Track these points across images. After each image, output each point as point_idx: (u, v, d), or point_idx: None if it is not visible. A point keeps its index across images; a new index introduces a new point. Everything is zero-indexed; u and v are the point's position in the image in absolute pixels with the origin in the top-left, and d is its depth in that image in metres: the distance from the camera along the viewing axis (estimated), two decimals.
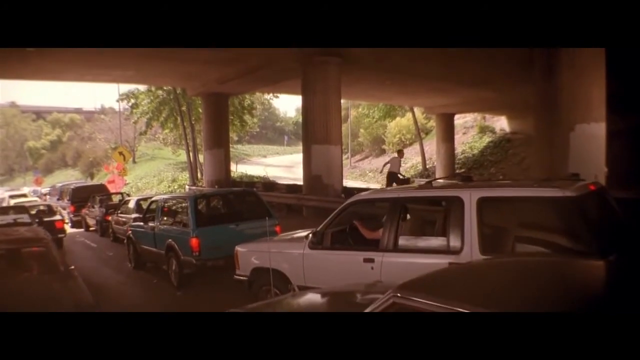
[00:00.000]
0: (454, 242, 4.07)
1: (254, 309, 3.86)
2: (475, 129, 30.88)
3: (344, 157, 25.43)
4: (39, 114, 71.99)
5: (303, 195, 14.58)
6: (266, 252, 5.30)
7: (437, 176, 24.27)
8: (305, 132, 14.71)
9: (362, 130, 39.72)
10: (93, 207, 16.10)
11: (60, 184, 31.82)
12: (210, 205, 9.60)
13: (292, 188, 16.83)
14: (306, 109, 14.63)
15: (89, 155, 50.11)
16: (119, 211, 13.27)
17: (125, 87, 29.14)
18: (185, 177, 29.79)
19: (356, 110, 40.25)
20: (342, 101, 16.06)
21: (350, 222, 5.26)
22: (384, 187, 16.46)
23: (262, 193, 11.77)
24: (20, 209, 12.16)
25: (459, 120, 30.71)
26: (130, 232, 9.86)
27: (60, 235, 12.28)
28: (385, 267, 4.42)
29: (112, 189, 21.19)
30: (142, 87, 27.33)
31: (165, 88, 25.95)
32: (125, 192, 19.79)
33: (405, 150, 19.42)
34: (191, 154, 27.11)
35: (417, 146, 30.25)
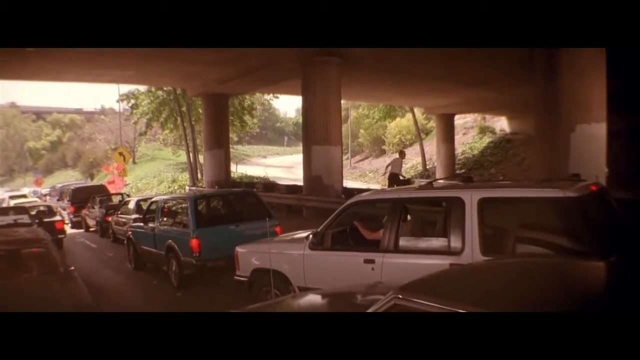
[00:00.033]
0: (455, 243, 4.05)
1: (254, 310, 3.85)
2: (475, 130, 30.87)
3: (344, 157, 25.42)
4: (39, 114, 72.00)
5: (303, 196, 14.57)
6: (266, 253, 5.29)
7: (437, 177, 24.27)
8: (306, 133, 14.71)
9: (362, 130, 39.71)
10: (93, 207, 16.10)
11: (60, 185, 31.86)
12: (211, 206, 9.59)
13: (292, 189, 16.82)
14: (306, 110, 14.63)
15: (89, 156, 50.12)
16: (119, 212, 13.26)
17: (125, 88, 29.17)
18: (185, 177, 29.78)
19: (356, 111, 40.26)
20: (342, 102, 16.06)
21: (351, 223, 5.24)
22: (385, 187, 16.45)
23: (262, 194, 11.76)
24: (20, 209, 12.16)
25: (459, 120, 30.71)
26: (130, 232, 9.85)
27: (60, 236, 12.28)
28: (386, 268, 4.40)
29: (112, 189, 21.18)
30: (142, 88, 27.32)
31: (165, 88, 25.94)
32: (125, 193, 19.79)
33: (405, 151, 19.44)
34: (191, 155, 27.10)
35: (417, 147, 30.24)
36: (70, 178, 48.91)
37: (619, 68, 7.38)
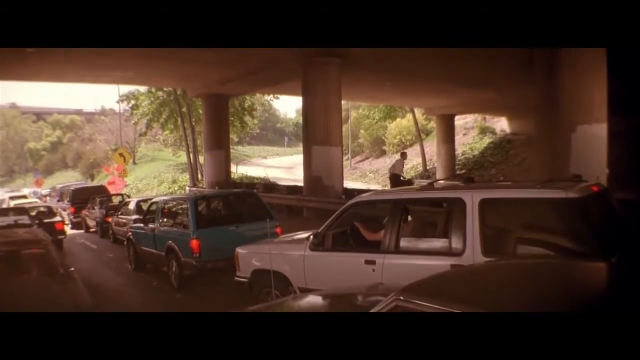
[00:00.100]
0: (456, 243, 4.04)
1: (254, 311, 3.84)
2: (475, 130, 30.86)
3: (344, 158, 25.41)
4: (39, 115, 72.07)
5: (303, 197, 14.56)
6: (267, 254, 5.28)
7: (437, 177, 24.25)
8: (306, 133, 14.70)
9: (362, 131, 39.71)
10: (93, 208, 16.09)
11: (60, 185, 31.87)
12: (211, 206, 9.58)
13: (292, 189, 16.82)
14: (306, 110, 14.62)
15: (89, 157, 50.14)
16: (119, 212, 13.25)
17: (126, 89, 29.20)
18: (185, 178, 29.77)
19: (356, 112, 40.26)
20: (343, 102, 16.05)
21: (352, 224, 5.23)
22: (386, 188, 16.45)
23: (262, 194, 11.76)
24: (20, 210, 12.15)
25: (459, 121, 30.70)
26: (130, 233, 9.84)
27: (60, 237, 12.26)
28: (387, 269, 4.39)
29: (112, 190, 21.17)
30: (142, 89, 27.32)
31: (165, 89, 25.95)
32: (125, 194, 19.78)
33: (406, 152, 19.58)
34: (191, 155, 27.09)
35: (417, 147, 30.23)
36: (71, 179, 48.92)
37: (619, 68, 7.35)
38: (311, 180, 14.24)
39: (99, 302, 5.34)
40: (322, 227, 5.07)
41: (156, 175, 35.77)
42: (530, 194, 4.02)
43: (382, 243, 4.56)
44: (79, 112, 71.86)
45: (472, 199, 4.00)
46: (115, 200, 17.12)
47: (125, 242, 10.37)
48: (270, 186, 20.12)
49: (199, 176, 26.43)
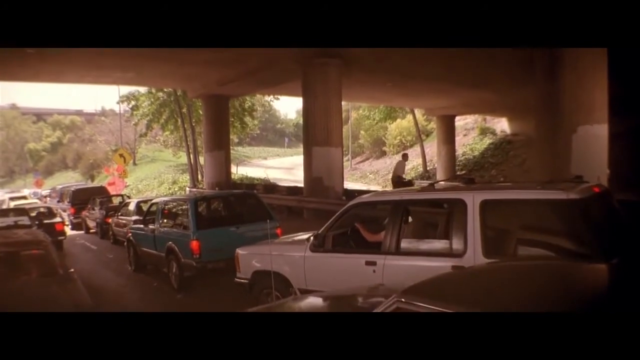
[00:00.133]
0: (457, 244, 4.02)
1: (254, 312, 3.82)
2: (475, 131, 30.85)
3: (345, 159, 25.41)
4: (39, 115, 72.13)
5: (304, 198, 14.55)
6: (267, 255, 5.26)
7: (438, 178, 24.24)
8: (306, 134, 14.69)
9: (362, 132, 39.72)
10: (93, 209, 16.08)
11: (60, 186, 31.83)
12: (211, 207, 9.57)
13: (292, 190, 16.81)
14: (307, 111, 14.61)
15: (89, 157, 50.17)
16: (119, 213, 13.23)
17: (126, 89, 29.22)
18: (185, 179, 29.77)
19: (357, 112, 40.26)
20: (343, 103, 16.05)
21: (352, 225, 5.22)
22: (386, 189, 16.46)
23: (262, 195, 11.75)
24: (20, 211, 12.14)
25: (460, 122, 30.70)
26: (130, 234, 9.82)
27: (60, 238, 12.25)
28: (388, 270, 4.37)
29: (112, 191, 21.16)
30: (142, 89, 27.32)
31: (165, 90, 25.94)
32: (125, 194, 19.76)
33: (407, 153, 19.73)
34: (192, 156, 27.08)
35: (417, 148, 30.23)
36: (71, 179, 48.94)
37: (620, 69, 7.35)
38: (311, 181, 14.23)
39: (99, 303, 5.34)
40: (322, 228, 5.06)
41: (156, 176, 35.78)
42: (532, 195, 4.00)
43: (382, 244, 4.54)
44: (79, 113, 71.92)
45: (473, 200, 3.98)
46: (116, 201, 17.11)
47: (125, 243, 10.36)
48: (270, 187, 20.11)
49: (199, 177, 26.42)
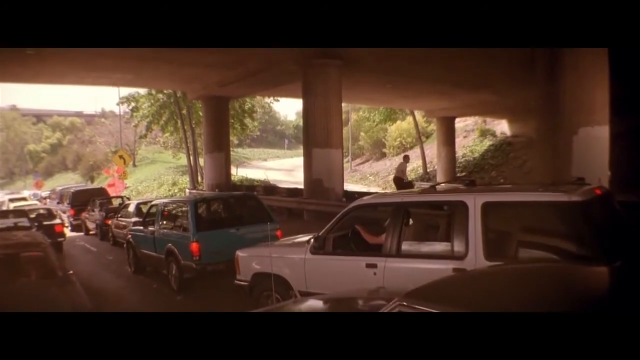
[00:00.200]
0: (458, 247, 4.00)
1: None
2: (476, 133, 30.84)
3: (345, 160, 25.40)
4: (39, 117, 72.18)
5: (304, 199, 14.53)
6: (267, 257, 5.23)
7: (438, 180, 24.23)
8: (306, 136, 14.67)
9: (362, 133, 39.72)
10: (93, 210, 16.06)
11: (60, 188, 31.80)
12: (211, 209, 9.55)
13: (292, 192, 16.79)
14: (307, 112, 14.60)
15: (89, 159, 50.19)
16: (119, 215, 13.21)
17: (126, 91, 29.21)
18: (185, 180, 29.76)
19: (357, 114, 40.26)
20: (343, 104, 16.04)
21: (353, 227, 5.20)
22: (387, 191, 16.50)
23: (262, 197, 11.74)
24: (19, 212, 12.12)
25: (460, 123, 30.68)
26: (130, 236, 9.80)
27: (59, 239, 12.21)
28: (388, 272, 4.35)
29: (112, 192, 21.14)
30: (142, 91, 27.31)
31: (165, 91, 25.94)
32: (125, 196, 19.74)
33: (407, 154, 19.90)
34: (191, 158, 27.06)
35: (417, 150, 30.22)
36: (71, 181, 48.91)
37: (621, 70, 7.34)
38: (311, 183, 14.21)
39: (98, 305, 5.31)
40: (323, 230, 5.03)
41: (156, 177, 35.78)
42: (533, 197, 3.98)
43: (383, 246, 4.52)
44: (79, 114, 71.92)
45: (474, 202, 3.95)
46: (115, 202, 17.07)
47: (124, 245, 10.34)
48: (270, 189, 20.08)
49: (199, 178, 26.41)
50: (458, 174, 25.25)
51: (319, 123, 13.87)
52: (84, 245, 14.39)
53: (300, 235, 6.06)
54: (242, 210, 9.03)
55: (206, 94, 20.06)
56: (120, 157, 22.10)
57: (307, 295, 4.79)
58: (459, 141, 29.05)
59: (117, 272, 10.04)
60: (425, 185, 18.60)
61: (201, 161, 25.58)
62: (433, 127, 31.85)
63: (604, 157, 8.23)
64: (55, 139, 66.54)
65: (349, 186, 23.55)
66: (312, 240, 5.08)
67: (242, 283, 5.80)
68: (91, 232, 16.14)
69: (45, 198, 30.24)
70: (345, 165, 23.96)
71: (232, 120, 25.42)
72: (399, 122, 34.38)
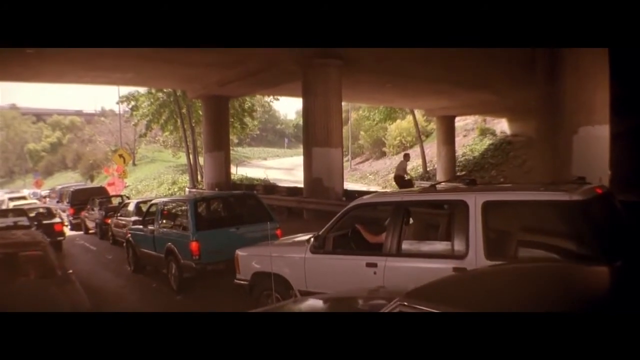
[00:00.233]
0: (459, 246, 4.00)
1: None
2: (475, 132, 30.83)
3: (345, 159, 25.40)
4: (39, 116, 72.15)
5: (304, 198, 14.52)
6: (267, 256, 5.23)
7: (438, 179, 24.23)
8: (306, 135, 14.67)
9: (362, 132, 39.72)
10: (92, 209, 16.05)
11: (60, 187, 31.82)
12: (211, 208, 9.54)
13: (292, 191, 16.78)
14: (307, 112, 14.59)
15: (89, 158, 50.16)
16: (119, 214, 13.20)
17: (126, 90, 29.18)
18: (185, 179, 29.74)
19: (357, 113, 40.25)
20: (343, 104, 16.04)
21: (353, 226, 5.19)
22: (387, 189, 16.52)
23: (262, 196, 11.73)
24: (19, 211, 12.11)
25: (460, 122, 30.67)
26: (129, 235, 9.79)
27: (59, 238, 12.22)
28: (389, 272, 4.35)
29: (112, 191, 21.13)
30: (142, 90, 27.29)
31: (165, 90, 25.91)
32: (125, 195, 19.73)
33: (408, 153, 19.99)
34: (191, 157, 27.05)
35: (417, 149, 30.21)
36: (70, 180, 48.91)
37: (622, 69, 7.33)
38: (311, 182, 14.20)
39: (98, 304, 5.30)
40: (323, 230, 5.03)
41: (156, 176, 35.76)
42: (534, 196, 3.97)
43: (383, 246, 4.51)
44: (78, 113, 71.92)
45: (475, 202, 3.95)
46: (115, 201, 17.08)
47: (124, 244, 10.33)
48: (270, 188, 20.08)
49: (199, 177, 26.39)
50: (458, 173, 25.25)
51: (319, 122, 13.86)
52: (83, 244, 14.38)
53: (300, 235, 6.06)
54: (242, 209, 9.02)
55: (206, 93, 20.05)
56: (120, 156, 22.09)
57: (307, 294, 4.79)
58: (458, 140, 29.05)
59: (116, 271, 10.03)
60: (425, 184, 18.64)
61: (201, 160, 25.56)
62: (433, 126, 31.85)
63: (604, 156, 8.22)
64: (55, 138, 66.52)
65: (349, 185, 23.55)
66: (312, 239, 5.08)
67: (242, 282, 5.80)
68: (91, 231, 16.13)
69: (44, 197, 30.22)
70: (345, 164, 23.95)
71: (232, 119, 25.41)
72: (398, 121, 34.36)
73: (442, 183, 8.78)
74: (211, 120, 20.93)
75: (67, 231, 15.28)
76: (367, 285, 4.19)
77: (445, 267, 3.90)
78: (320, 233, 5.02)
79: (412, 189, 11.82)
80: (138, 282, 9.05)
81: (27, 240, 6.19)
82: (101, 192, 19.89)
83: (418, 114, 30.81)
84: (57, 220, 13.24)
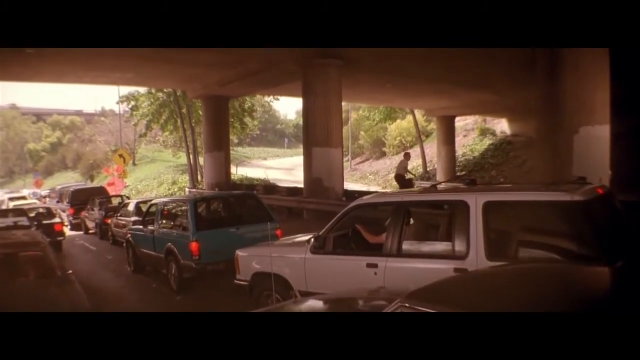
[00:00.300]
0: (459, 247, 3.99)
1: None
2: (475, 132, 30.82)
3: (345, 159, 25.39)
4: (39, 116, 72.15)
5: (304, 198, 14.51)
6: (267, 257, 5.22)
7: (438, 179, 24.22)
8: (306, 135, 14.65)
9: (362, 132, 39.71)
10: (92, 209, 16.04)
11: (59, 187, 31.82)
12: (211, 208, 9.53)
13: (292, 191, 16.77)
14: (307, 112, 14.58)
15: (89, 158, 50.15)
16: (119, 214, 13.20)
17: (126, 89, 29.16)
18: (185, 179, 29.73)
19: (357, 113, 40.24)
20: (343, 104, 16.03)
21: (353, 226, 5.18)
22: (387, 189, 16.52)
23: (262, 196, 11.72)
24: (19, 211, 12.10)
25: (460, 122, 30.66)
26: (129, 235, 9.79)
27: (59, 238, 12.21)
28: (389, 272, 4.33)
29: (112, 191, 21.12)
30: (142, 90, 27.28)
31: (165, 90, 25.90)
32: (124, 195, 19.72)
33: (409, 152, 20.00)
34: (191, 157, 27.04)
35: (417, 149, 30.20)
36: (70, 180, 48.90)
37: (622, 69, 7.31)
38: (311, 182, 14.19)
39: (98, 305, 5.29)
40: (323, 230, 5.02)
41: (156, 176, 35.74)
42: (535, 196, 3.96)
43: (384, 246, 4.50)
44: (78, 113, 71.93)
45: (475, 202, 3.94)
46: (115, 201, 17.07)
47: (124, 244, 10.32)
48: (270, 188, 20.07)
49: (199, 177, 26.38)
50: (458, 173, 25.24)
51: (319, 122, 13.85)
52: (83, 244, 14.38)
53: (300, 235, 6.04)
54: (242, 209, 9.01)
55: (206, 93, 20.04)
56: (120, 155, 22.09)
57: (307, 295, 4.78)
58: (458, 140, 29.03)
59: (116, 272, 10.02)
60: (426, 184, 18.64)
61: (201, 160, 25.55)
62: (433, 126, 31.84)
63: (604, 156, 8.20)
64: (55, 138, 66.50)
65: (349, 185, 23.55)
66: (312, 239, 5.07)
67: (242, 283, 5.79)
68: (90, 231, 16.12)
69: (44, 197, 30.23)
70: (345, 164, 23.94)
71: (232, 119, 25.39)
72: (398, 121, 34.35)
73: (443, 183, 8.77)
74: (211, 120, 20.92)
75: (67, 231, 15.27)
76: (367, 285, 4.18)
77: (445, 267, 3.90)
78: (320, 233, 5.01)
79: (413, 189, 11.80)
80: (138, 282, 9.04)
81: (26, 241, 6.18)
82: (101, 192, 19.88)
83: (418, 114, 30.80)
84: (57, 220, 13.23)
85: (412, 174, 20.16)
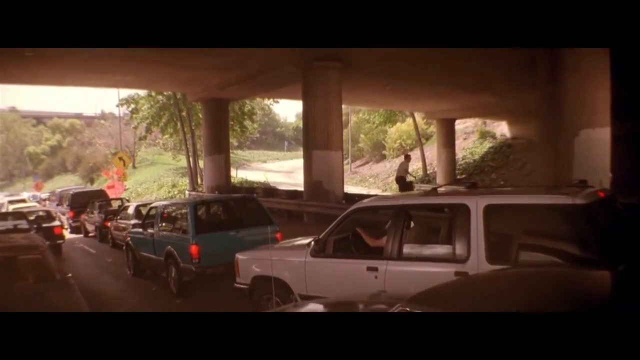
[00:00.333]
0: (460, 250, 3.97)
1: None
2: (475, 135, 30.83)
3: (345, 162, 25.39)
4: (39, 119, 72.18)
5: (304, 201, 14.50)
6: (267, 260, 5.20)
7: (438, 182, 24.21)
8: (306, 138, 14.65)
9: (362, 135, 39.70)
10: (92, 212, 16.04)
11: (59, 190, 31.77)
12: (210, 211, 9.51)
13: (292, 194, 16.76)
14: (307, 115, 14.58)
15: (88, 161, 50.14)
16: (118, 217, 13.19)
17: (126, 92, 29.19)
18: (185, 182, 29.73)
19: (357, 116, 40.26)
20: (343, 107, 16.04)
21: (354, 230, 5.16)
22: (388, 193, 16.51)
23: (262, 199, 11.70)
24: (18, 214, 12.08)
25: (460, 125, 30.66)
26: (129, 238, 9.77)
27: (58, 241, 12.19)
28: (390, 276, 4.32)
29: (111, 194, 21.12)
30: (142, 92, 27.30)
31: (165, 93, 25.93)
32: (124, 198, 19.71)
33: (409, 154, 20.02)
34: (191, 160, 27.04)
35: (417, 152, 30.19)
36: (70, 183, 48.84)
37: (623, 71, 7.30)
38: (311, 185, 14.18)
39: (97, 308, 5.26)
40: (323, 233, 5.00)
41: (156, 179, 35.73)
42: (536, 200, 3.95)
43: (384, 249, 4.48)
44: (78, 116, 71.93)
45: (476, 205, 3.92)
46: (115, 204, 17.04)
47: (124, 247, 10.30)
48: (270, 191, 20.06)
49: (199, 180, 26.38)
50: (458, 176, 25.23)
51: (319, 125, 13.85)
52: (83, 247, 14.36)
53: (301, 238, 6.02)
54: (242, 212, 8.99)
55: (206, 96, 20.05)
56: (120, 158, 22.10)
57: (307, 298, 4.76)
58: (459, 143, 29.04)
59: (116, 275, 10.00)
60: (426, 187, 18.62)
61: (201, 163, 25.55)
62: (433, 129, 31.83)
63: (605, 159, 8.19)
64: (55, 141, 66.50)
65: (349, 188, 23.52)
66: (312, 243, 5.05)
67: (242, 286, 5.76)
68: (90, 234, 16.11)
69: (44, 200, 30.22)
70: (345, 167, 23.94)
71: (232, 122, 25.42)
72: (398, 124, 34.35)
73: (443, 187, 8.75)
74: (211, 123, 20.93)
75: (67, 234, 15.26)
76: (368, 289, 4.16)
77: (446, 271, 3.88)
78: (320, 236, 4.99)
79: (413, 192, 11.80)
80: (138, 285, 9.01)
81: (26, 244, 6.14)
82: (101, 195, 19.87)
83: (418, 116, 30.81)
84: (56, 223, 13.20)
85: (413, 176, 20.21)
